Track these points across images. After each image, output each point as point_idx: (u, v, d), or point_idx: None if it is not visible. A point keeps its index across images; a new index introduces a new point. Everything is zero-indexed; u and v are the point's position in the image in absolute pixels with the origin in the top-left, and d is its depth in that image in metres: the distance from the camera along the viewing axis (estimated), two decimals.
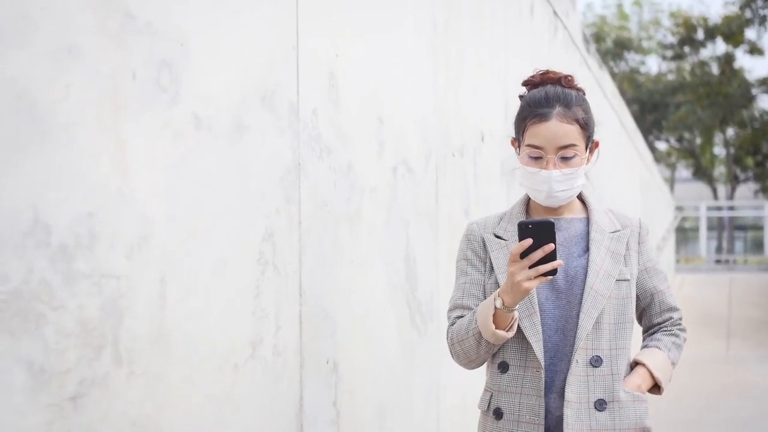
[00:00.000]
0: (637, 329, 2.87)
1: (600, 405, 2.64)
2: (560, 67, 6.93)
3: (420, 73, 3.81)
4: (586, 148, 2.73)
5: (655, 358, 2.80)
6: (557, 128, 2.64)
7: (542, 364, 2.63)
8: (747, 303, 18.34)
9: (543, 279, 2.46)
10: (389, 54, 3.49)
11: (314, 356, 2.82)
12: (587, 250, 2.73)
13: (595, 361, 2.65)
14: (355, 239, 3.13)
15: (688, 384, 10.39)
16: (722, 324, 16.43)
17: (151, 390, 2.05)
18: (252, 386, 2.47)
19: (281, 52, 2.65)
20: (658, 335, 2.87)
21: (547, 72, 2.78)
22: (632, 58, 44.66)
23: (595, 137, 2.80)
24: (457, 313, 2.75)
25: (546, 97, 2.69)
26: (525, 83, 2.81)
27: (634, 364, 2.78)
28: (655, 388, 2.79)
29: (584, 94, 2.80)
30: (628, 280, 2.74)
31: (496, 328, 2.55)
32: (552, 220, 2.47)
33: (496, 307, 2.53)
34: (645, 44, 44.71)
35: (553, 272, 2.45)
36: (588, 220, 2.79)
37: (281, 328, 2.61)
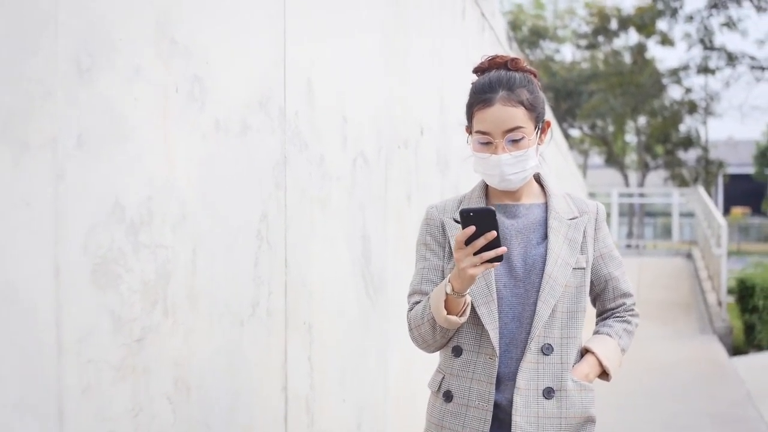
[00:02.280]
0: (591, 314, 3.00)
1: (548, 393, 2.67)
2: None
3: (374, 74, 4.36)
4: (536, 129, 2.73)
5: (605, 346, 2.84)
6: (501, 112, 2.65)
7: (497, 351, 2.67)
8: (655, 285, 19.18)
9: (488, 265, 2.48)
10: (350, 58, 4.03)
11: (295, 318, 3.37)
12: (546, 237, 2.75)
13: (546, 349, 2.68)
14: (325, 220, 3.68)
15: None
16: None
17: (186, 337, 2.60)
18: (252, 340, 3.02)
19: (273, 64, 3.19)
20: (610, 321, 2.92)
21: (494, 57, 2.80)
22: (547, 46, 45.25)
23: (547, 117, 2.81)
24: (416, 298, 2.81)
25: (489, 82, 2.71)
26: (474, 70, 2.83)
27: (584, 352, 2.84)
28: (604, 375, 2.84)
29: (534, 75, 2.80)
30: (584, 268, 2.77)
31: (448, 313, 2.60)
32: (493, 208, 2.49)
33: (447, 293, 2.57)
34: (560, 33, 45.30)
35: (499, 259, 2.47)
36: (546, 205, 2.82)
37: (272, 293, 3.16)
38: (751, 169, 57.28)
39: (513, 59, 2.78)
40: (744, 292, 15.98)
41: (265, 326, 3.12)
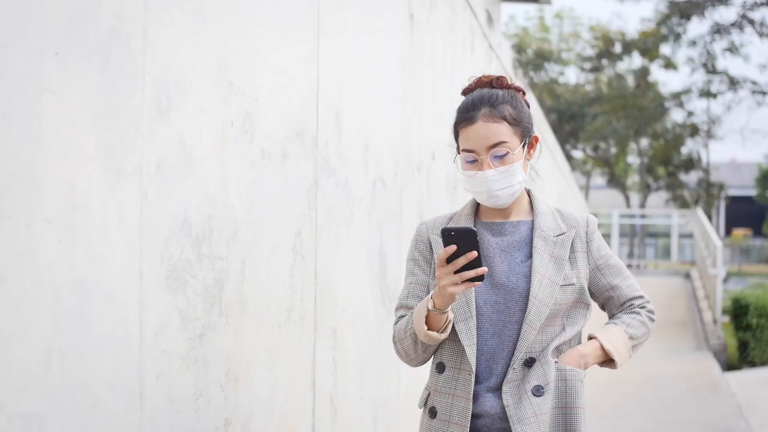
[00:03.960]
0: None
1: (537, 390, 2.67)
2: None
3: (392, 104, 4.82)
4: (522, 144, 2.73)
5: (609, 332, 2.82)
6: (484, 129, 2.67)
7: (473, 368, 2.69)
8: (654, 304, 19.51)
9: (468, 284, 2.50)
10: (372, 90, 4.48)
11: (322, 323, 3.81)
12: (530, 255, 2.76)
13: (529, 362, 2.70)
14: (348, 237, 4.13)
15: (598, 374, 11.54)
16: (637, 351, 17.61)
17: (236, 335, 3.04)
18: (287, 341, 3.46)
19: (308, 100, 3.63)
20: (618, 314, 2.89)
21: (480, 78, 2.85)
22: (552, 68, 45.69)
23: (535, 132, 2.84)
24: (401, 312, 2.85)
25: (472, 101, 2.75)
26: (462, 92, 2.89)
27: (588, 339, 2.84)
28: (611, 363, 2.82)
29: (520, 92, 2.83)
30: (574, 284, 2.75)
31: (428, 329, 2.62)
32: (474, 228, 2.50)
33: (428, 309, 2.59)
34: (564, 56, 45.80)
35: (480, 278, 2.49)
36: (533, 223, 2.82)
37: (304, 300, 3.61)
38: (753, 191, 57.67)
39: (498, 78, 2.82)
40: (738, 311, 16.47)
41: (298, 329, 3.55)
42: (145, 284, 2.51)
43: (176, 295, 2.67)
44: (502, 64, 8.53)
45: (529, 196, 2.88)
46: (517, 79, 9.85)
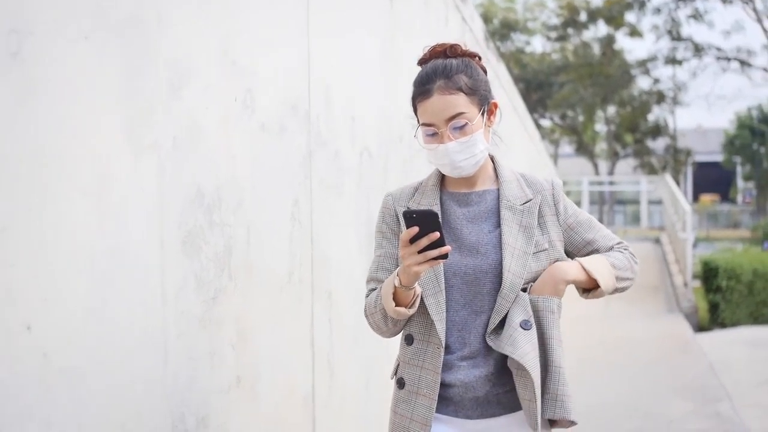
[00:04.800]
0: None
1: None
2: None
3: (374, 77, 5.01)
4: (481, 112, 2.71)
5: (591, 258, 2.80)
6: (440, 101, 2.65)
7: (442, 342, 2.69)
8: None
9: (432, 263, 2.50)
10: (356, 65, 4.67)
11: (318, 287, 4.02)
12: (498, 224, 2.75)
13: (525, 324, 2.66)
14: (340, 205, 4.33)
15: (571, 338, 11.83)
16: (622, 287, 17.93)
17: (245, 297, 3.24)
18: (288, 304, 3.67)
19: (301, 75, 3.83)
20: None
21: (434, 47, 2.80)
22: (518, 38, 45.90)
23: (494, 98, 2.80)
24: (372, 285, 2.85)
25: (426, 74, 2.73)
26: (418, 62, 2.84)
27: None
28: (594, 289, 2.78)
29: (474, 58, 2.81)
30: (546, 249, 2.75)
31: (396, 305, 2.63)
32: (435, 210, 2.56)
33: (395, 286, 2.60)
34: (530, 25, 45.95)
35: (444, 257, 2.48)
36: (499, 191, 2.80)
37: (302, 264, 3.81)
38: (720, 157, 58.20)
39: (452, 46, 2.77)
40: (708, 274, 16.83)
41: (298, 292, 3.76)
42: (165, 250, 2.70)
43: (192, 260, 2.87)
44: (474, 36, 8.72)
45: (493, 162, 2.88)
46: (489, 51, 10.06)
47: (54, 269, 2.20)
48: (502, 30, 43.99)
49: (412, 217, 2.44)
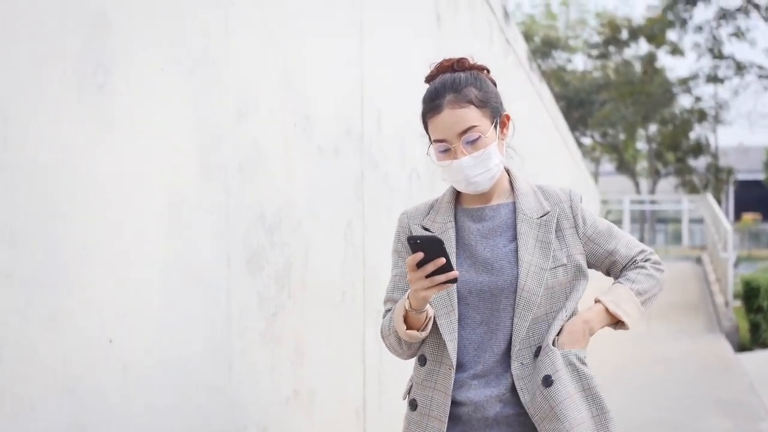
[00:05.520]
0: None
1: (546, 381, 2.56)
2: (510, 83, 8.34)
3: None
4: (493, 125, 2.63)
5: (613, 293, 2.71)
6: (451, 116, 2.57)
7: (453, 363, 2.60)
8: (666, 288, 19.70)
9: (441, 287, 2.42)
10: (406, 87, 4.82)
11: (369, 305, 4.16)
12: (514, 238, 2.66)
13: (537, 352, 2.61)
14: (389, 226, 4.46)
15: (612, 356, 11.92)
16: (650, 307, 17.98)
17: (302, 315, 3.39)
18: (341, 321, 3.81)
19: (355, 100, 3.98)
20: (623, 273, 2.77)
21: (441, 62, 2.73)
22: (559, 56, 45.93)
23: (506, 111, 2.71)
24: (388, 306, 2.78)
25: (435, 89, 2.64)
26: (426, 79, 2.77)
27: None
28: (621, 324, 2.71)
29: (483, 71, 2.72)
30: (565, 264, 2.65)
31: (408, 328, 2.56)
32: (439, 237, 2.42)
33: (406, 309, 2.53)
34: (572, 43, 46.02)
35: (453, 281, 2.41)
36: (515, 205, 2.71)
37: (354, 284, 3.95)
38: (761, 175, 57.76)
39: (459, 60, 2.70)
40: (749, 293, 16.78)
41: (350, 310, 3.90)
42: (231, 269, 2.86)
43: (255, 278, 3.02)
44: (518, 57, 8.86)
45: (509, 175, 2.76)
46: (532, 71, 10.19)
47: (132, 286, 2.36)
48: (543, 48, 44.01)
49: (416, 243, 2.37)
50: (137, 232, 2.38)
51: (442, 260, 2.36)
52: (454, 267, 2.45)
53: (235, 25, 2.89)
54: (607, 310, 2.66)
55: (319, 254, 3.56)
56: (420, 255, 2.36)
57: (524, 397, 2.57)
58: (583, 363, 2.63)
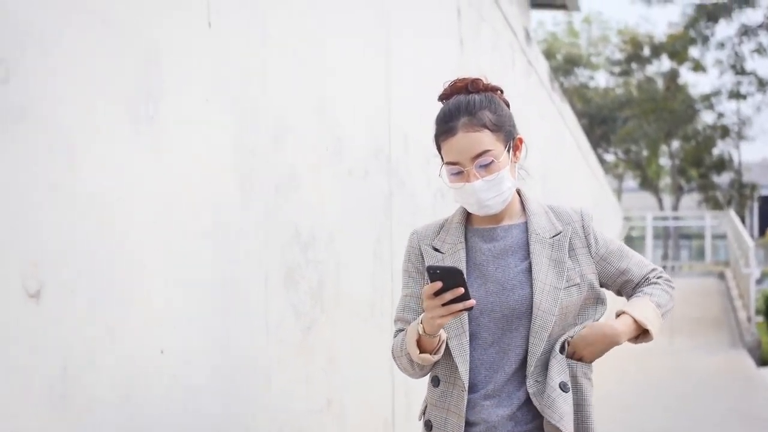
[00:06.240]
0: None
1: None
2: (532, 103, 8.51)
3: None
4: (506, 148, 2.60)
5: (637, 305, 2.69)
6: (465, 139, 2.53)
7: (465, 385, 2.58)
8: (689, 304, 19.96)
9: (456, 314, 2.42)
10: (430, 108, 5.00)
11: None
12: (525, 258, 2.64)
13: (564, 386, 2.58)
14: None
15: (635, 370, 12.07)
16: (666, 322, 18.12)
17: (334, 328, 3.58)
18: (371, 334, 3.99)
19: (382, 123, 4.18)
20: (639, 288, 2.77)
21: (455, 82, 2.71)
22: (581, 73, 45.96)
23: (519, 134, 2.69)
24: (399, 326, 2.74)
25: (449, 111, 2.61)
26: (439, 98, 2.75)
27: (618, 315, 2.69)
28: (645, 335, 2.69)
29: (497, 92, 2.69)
30: (578, 283, 2.63)
31: (421, 351, 2.53)
32: (459, 268, 2.41)
33: (419, 333, 2.50)
34: (594, 60, 46.08)
35: (468, 309, 2.40)
36: (527, 225, 2.69)
37: (383, 297, 4.14)
38: None
39: (473, 80, 2.67)
40: None
41: (379, 324, 4.09)
42: (269, 284, 3.05)
43: (290, 293, 3.21)
44: (539, 78, 9.05)
45: (520, 196, 2.73)
46: (554, 91, 10.38)
47: (181, 301, 2.55)
48: (565, 65, 44.07)
49: (435, 273, 2.36)
50: (186, 252, 2.57)
51: (461, 290, 2.35)
52: (470, 296, 2.40)
53: (271, 58, 3.09)
54: (634, 320, 2.62)
55: (350, 270, 3.75)
56: (438, 284, 2.35)
57: (540, 404, 2.56)
58: (588, 378, 2.66)
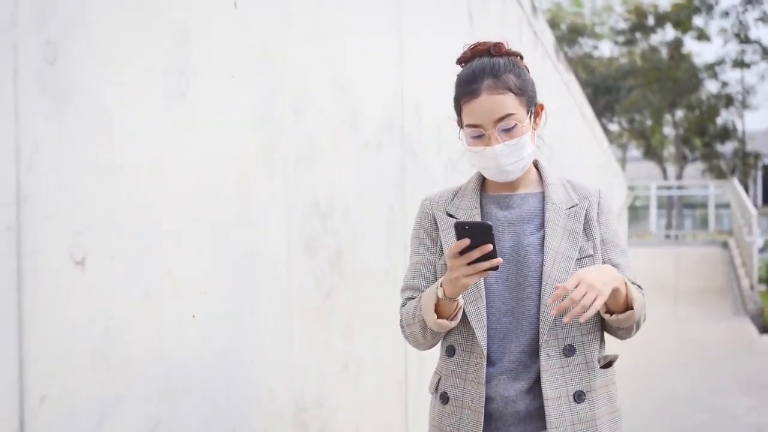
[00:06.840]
0: None
1: (579, 397, 2.52)
2: (538, 74, 8.62)
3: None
4: (528, 114, 2.56)
5: (631, 287, 2.52)
6: (489, 102, 2.49)
7: (484, 351, 2.52)
8: (692, 273, 20.16)
9: (483, 274, 2.34)
10: (442, 81, 5.12)
11: None
12: (541, 227, 2.59)
13: (569, 351, 2.54)
14: None
15: (639, 338, 12.19)
16: (670, 291, 18.25)
17: (351, 294, 3.71)
18: (385, 300, 4.13)
19: (395, 96, 4.30)
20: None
21: (476, 45, 2.66)
22: (586, 43, 45.90)
23: (540, 100, 2.67)
24: (408, 294, 2.71)
25: (473, 72, 2.57)
26: (458, 61, 2.71)
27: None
28: (628, 311, 2.51)
29: (519, 57, 2.65)
30: (592, 255, 2.58)
31: (438, 317, 2.47)
32: (489, 223, 2.31)
33: (438, 297, 2.43)
34: (598, 30, 45.96)
35: (494, 268, 2.32)
36: (543, 195, 2.65)
37: (397, 265, 4.27)
38: None
39: (496, 44, 2.62)
40: None
41: (392, 290, 4.22)
42: (290, 252, 3.18)
43: (311, 260, 3.34)
44: (545, 49, 9.15)
45: (537, 167, 2.70)
46: (559, 62, 10.47)
47: (210, 268, 2.68)
48: (570, 35, 44.02)
49: (464, 229, 2.28)
50: (214, 222, 2.70)
51: (490, 247, 2.29)
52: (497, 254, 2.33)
53: (291, 34, 3.21)
54: (626, 285, 2.48)
55: (366, 238, 3.88)
56: (466, 242, 2.28)
57: (547, 393, 2.51)
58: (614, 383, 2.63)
